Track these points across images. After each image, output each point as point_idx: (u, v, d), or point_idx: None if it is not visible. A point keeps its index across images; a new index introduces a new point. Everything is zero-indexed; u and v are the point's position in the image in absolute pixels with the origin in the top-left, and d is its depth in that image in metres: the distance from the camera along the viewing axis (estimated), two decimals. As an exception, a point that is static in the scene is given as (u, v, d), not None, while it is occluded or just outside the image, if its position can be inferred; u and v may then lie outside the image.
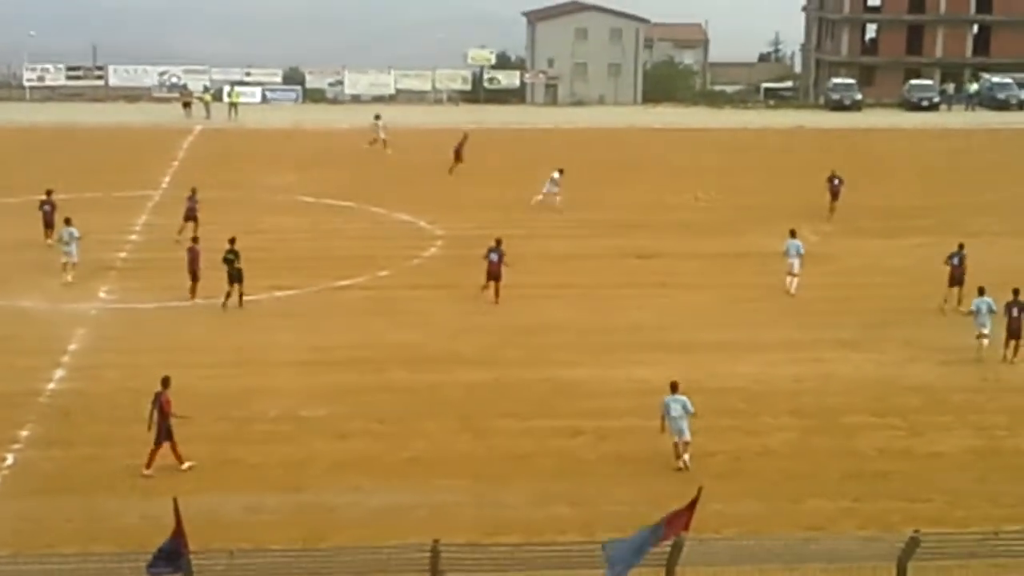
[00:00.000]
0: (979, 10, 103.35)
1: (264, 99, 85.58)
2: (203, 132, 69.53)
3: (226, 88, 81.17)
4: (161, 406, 23.68)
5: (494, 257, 35.55)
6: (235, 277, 34.61)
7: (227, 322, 33.36)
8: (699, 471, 23.32)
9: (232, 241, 35.38)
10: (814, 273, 39.19)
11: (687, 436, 24.14)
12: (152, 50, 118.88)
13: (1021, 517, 22.04)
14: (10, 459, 24.16)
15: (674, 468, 23.89)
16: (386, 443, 25.10)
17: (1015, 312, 30.90)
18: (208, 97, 77.65)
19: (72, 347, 31.04)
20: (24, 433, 25.39)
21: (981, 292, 32.15)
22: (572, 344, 31.45)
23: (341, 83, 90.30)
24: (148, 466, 23.49)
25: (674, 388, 24.49)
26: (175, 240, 40.54)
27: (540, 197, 48.03)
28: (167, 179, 54.03)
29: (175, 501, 16.62)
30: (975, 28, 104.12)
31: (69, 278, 36.71)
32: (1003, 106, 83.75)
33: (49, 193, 42.01)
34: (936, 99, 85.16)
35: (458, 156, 55.84)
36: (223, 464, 24.06)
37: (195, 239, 36.81)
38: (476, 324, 33.11)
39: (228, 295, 34.60)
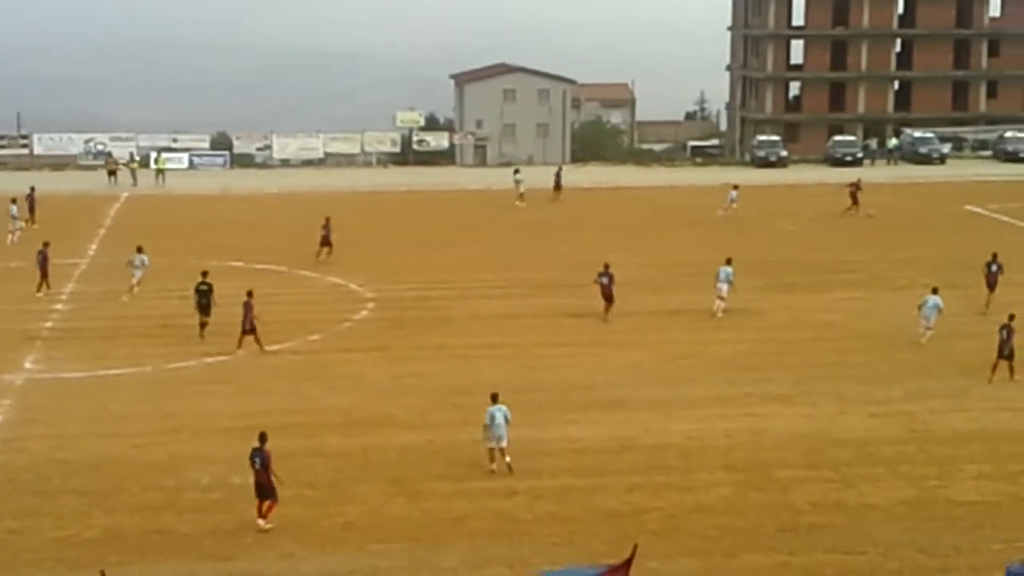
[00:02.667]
0: (899, 67, 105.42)
1: (192, 165, 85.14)
2: (130, 199, 69.04)
3: (153, 154, 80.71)
4: (265, 462, 23.88)
5: (605, 280, 39.95)
6: (204, 309, 37.60)
7: (156, 390, 32.97)
8: (634, 528, 23.28)
9: (205, 274, 38.39)
10: (745, 328, 39.57)
11: (504, 443, 26.55)
12: (78, 118, 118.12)
13: (954, 567, 22.24)
14: (-67, 534, 23.62)
15: (487, 470, 26.17)
16: (319, 509, 24.82)
17: (1004, 334, 33.58)
18: (135, 164, 77.14)
19: (-3, 419, 30.51)
20: (-52, 508, 24.86)
21: (935, 291, 37.68)
22: (505, 404, 31.29)
23: (269, 148, 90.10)
24: (264, 515, 23.88)
25: (495, 399, 26.96)
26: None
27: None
28: (94, 247, 53.54)
29: (102, 574, 16.31)
30: (896, 84, 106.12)
31: None
32: (925, 160, 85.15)
33: (46, 244, 44.26)
34: (859, 154, 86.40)
35: (325, 241, 50.08)
36: (152, 534, 23.67)
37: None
38: (409, 386, 32.97)
39: (203, 324, 37.62)
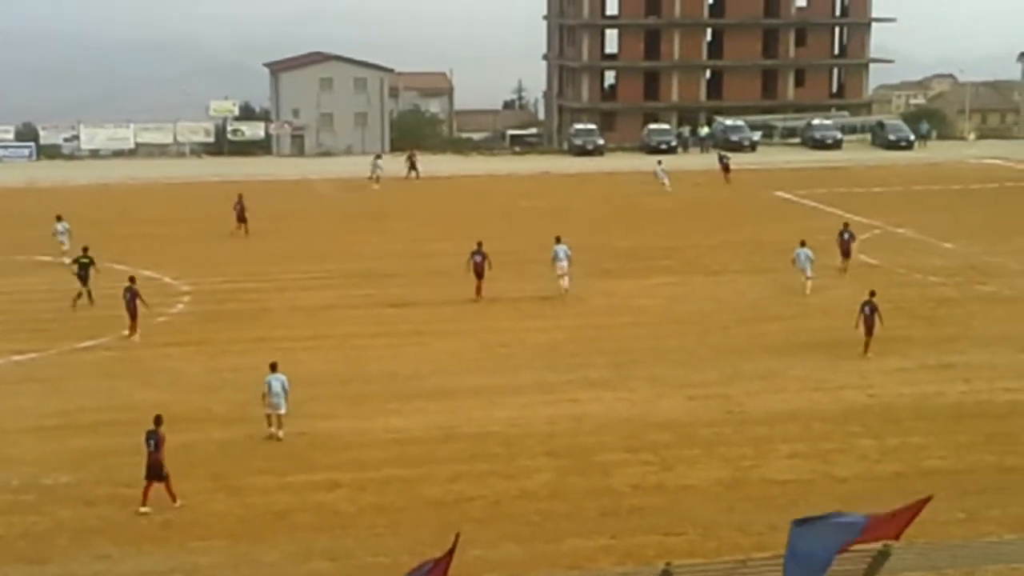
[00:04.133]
0: (711, 56, 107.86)
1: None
2: (-69, 192, 66.43)
3: (-46, 146, 77.85)
4: (157, 442, 24.14)
5: (478, 258, 41.11)
6: (83, 280, 40.18)
7: (-38, 390, 31.78)
8: (458, 517, 23.31)
9: (85, 249, 41.26)
10: (564, 315, 39.96)
11: (283, 410, 27.86)
12: None
13: (769, 544, 22.72)
14: None
15: (266, 436, 27.07)
16: (136, 508, 24.23)
17: (867, 311, 34.53)
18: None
19: None
20: None
21: (803, 244, 42.15)
22: (327, 396, 31.09)
23: (77, 138, 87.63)
24: (172, 498, 24.12)
25: (273, 368, 28.32)
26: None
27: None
28: None
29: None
30: (708, 73, 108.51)
31: None
32: (736, 148, 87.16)
33: None
34: (673, 142, 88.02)
35: (241, 217, 53.63)
36: (-39, 539, 22.83)
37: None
38: (228, 380, 32.42)
39: (79, 294, 39.92)
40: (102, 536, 23.04)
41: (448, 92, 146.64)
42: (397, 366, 34.07)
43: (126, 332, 36.84)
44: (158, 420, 24.71)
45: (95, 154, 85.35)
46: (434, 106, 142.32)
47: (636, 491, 25.26)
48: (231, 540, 22.97)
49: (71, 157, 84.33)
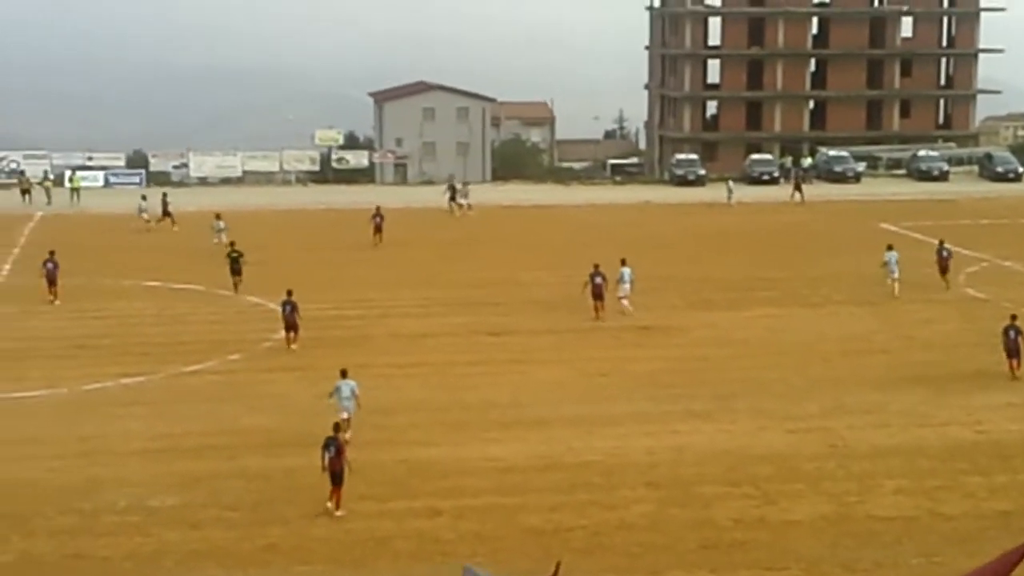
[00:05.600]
0: (814, 86, 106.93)
1: (107, 183, 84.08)
2: (44, 218, 68.02)
3: (67, 173, 79.56)
4: (337, 449, 25.22)
5: (598, 280, 42.25)
6: (236, 270, 46.41)
7: (72, 411, 32.46)
8: (558, 546, 23.29)
9: (232, 244, 47.74)
10: (664, 345, 39.84)
11: (349, 414, 29.21)
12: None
13: (874, 581, 22.48)
14: None
15: (345, 441, 26.62)
16: (241, 531, 24.56)
17: (1012, 335, 34.96)
18: (49, 183, 75.99)
19: (-92, 442, 29.86)
20: None
21: (890, 248, 46.44)
22: (427, 423, 31.29)
23: (186, 165, 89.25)
24: (336, 506, 25.21)
25: (344, 374, 30.04)
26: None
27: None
28: (7, 267, 52.69)
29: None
30: (811, 104, 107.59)
31: None
32: (840, 179, 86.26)
33: (52, 253, 45.81)
34: (776, 173, 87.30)
35: (378, 228, 58.37)
36: (69, 558, 23.31)
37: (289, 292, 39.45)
38: (330, 406, 32.67)
39: (235, 285, 46.10)
40: (207, 559, 23.37)
41: (549, 121, 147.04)
42: (496, 394, 34.16)
43: (288, 344, 38.81)
44: (336, 427, 26.15)
45: (203, 181, 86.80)
46: (535, 135, 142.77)
47: (737, 525, 25.04)
48: (333, 565, 23.18)
49: (180, 184, 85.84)
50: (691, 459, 28.87)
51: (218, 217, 55.72)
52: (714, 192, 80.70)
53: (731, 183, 77.23)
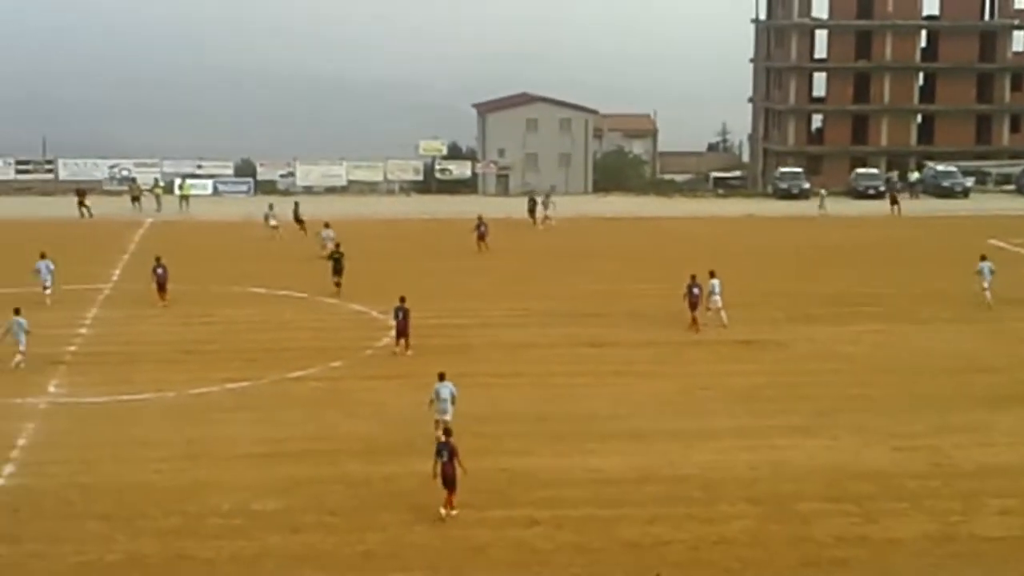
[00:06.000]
0: (922, 100, 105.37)
1: (216, 191, 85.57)
2: (154, 225, 69.38)
3: (177, 180, 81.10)
4: (450, 453, 25.69)
5: (696, 291, 42.72)
6: (338, 270, 48.46)
7: (179, 415, 33.07)
8: (655, 560, 23.26)
9: (338, 245, 50.82)
10: (765, 359, 39.54)
11: (449, 416, 29.74)
12: (102, 143, 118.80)
13: (978, 602, 22.13)
14: (-44, 557, 23.72)
15: (436, 439, 27.23)
16: (340, 536, 24.85)
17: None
18: (159, 190, 77.48)
19: (21, 442, 30.62)
20: (-29, 530, 24.96)
21: (983, 258, 47.17)
22: (526, 433, 31.39)
23: (293, 174, 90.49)
24: (450, 507, 25.75)
25: (442, 377, 30.55)
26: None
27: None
28: (117, 272, 53.80)
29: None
30: (919, 117, 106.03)
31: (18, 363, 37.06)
32: (947, 194, 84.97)
33: (159, 259, 47.06)
34: (882, 187, 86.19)
35: (482, 236, 59.95)
36: (175, 559, 23.74)
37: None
38: (430, 414, 32.94)
39: (336, 284, 48.19)
40: (307, 563, 23.66)
41: (652, 133, 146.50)
42: (596, 406, 34.16)
43: (397, 348, 39.56)
44: (448, 433, 26.54)
45: (308, 190, 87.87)
46: (638, 147, 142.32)
47: (838, 542, 24.78)
48: (430, 572, 23.34)
49: (286, 193, 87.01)
50: (792, 475, 28.63)
51: (327, 226, 56.43)
52: (815, 205, 79.99)
53: (824, 194, 77.63)
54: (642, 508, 26.38)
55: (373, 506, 26.45)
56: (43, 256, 47.06)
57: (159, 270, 46.61)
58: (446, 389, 30.35)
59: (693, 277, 43.20)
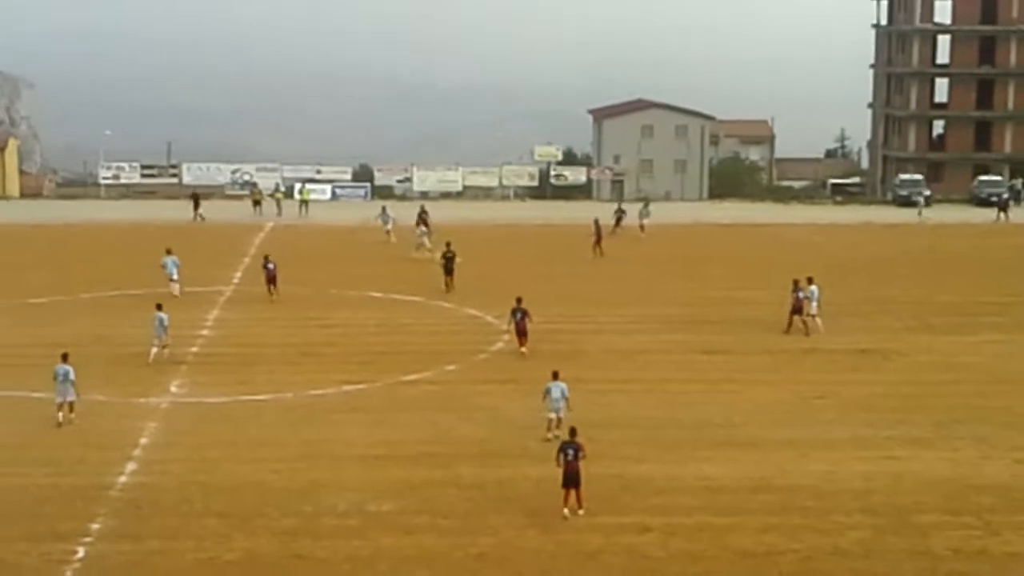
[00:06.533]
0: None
1: (334, 196, 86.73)
2: (274, 229, 70.52)
3: (297, 185, 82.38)
4: (576, 452, 26.01)
5: (800, 295, 42.97)
6: (449, 269, 50.12)
7: (296, 416, 33.57)
8: (769, 569, 23.09)
9: (448, 244, 51.13)
10: (883, 369, 38.99)
11: (561, 415, 30.39)
12: (225, 148, 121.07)
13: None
14: (81, 552, 24.33)
15: (543, 439, 28.91)
16: (453, 539, 25.03)
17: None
18: (280, 194, 78.74)
19: (143, 441, 31.32)
20: (95, 526, 25.58)
21: None
22: (639, 440, 31.34)
23: (409, 180, 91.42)
24: (579, 505, 26.03)
25: (556, 376, 31.26)
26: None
27: None
28: (238, 275, 54.80)
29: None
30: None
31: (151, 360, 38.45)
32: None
33: (268, 257, 49.58)
34: (1005, 195, 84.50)
35: (598, 239, 60.58)
36: (291, 559, 24.11)
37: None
38: (543, 419, 33.05)
39: (446, 284, 49.92)
40: (420, 565, 23.87)
41: (769, 140, 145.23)
42: (709, 413, 33.99)
43: (524, 350, 39.90)
44: (573, 432, 26.64)
45: (424, 195, 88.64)
46: (754, 154, 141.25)
47: (957, 555, 24.37)
48: (542, 577, 23.40)
49: (403, 198, 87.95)
50: (909, 486, 28.20)
51: (418, 224, 58.86)
52: (938, 212, 78.68)
53: (923, 200, 78.14)
54: (755, 517, 26.18)
55: (486, 510, 26.61)
56: (169, 252, 49.64)
57: (269, 266, 48.66)
58: (557, 388, 30.91)
59: (796, 282, 43.36)
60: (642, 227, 67.72)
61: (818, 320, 43.21)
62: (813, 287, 43.61)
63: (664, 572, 23.57)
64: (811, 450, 30.71)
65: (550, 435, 30.42)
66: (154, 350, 38.55)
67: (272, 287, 48.49)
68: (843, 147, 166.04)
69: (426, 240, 59.75)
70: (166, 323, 38.72)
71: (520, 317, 40.07)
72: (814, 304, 43.32)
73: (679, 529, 25.50)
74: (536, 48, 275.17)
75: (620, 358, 40.23)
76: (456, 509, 26.65)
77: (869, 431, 32.34)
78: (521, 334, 40.12)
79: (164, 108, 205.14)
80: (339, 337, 42.95)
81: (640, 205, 70.76)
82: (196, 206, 74.48)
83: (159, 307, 39.32)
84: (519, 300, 40.29)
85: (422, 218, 63.52)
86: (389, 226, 64.51)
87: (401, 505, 26.85)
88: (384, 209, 66.68)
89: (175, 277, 48.90)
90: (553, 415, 30.67)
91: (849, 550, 24.67)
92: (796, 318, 43.14)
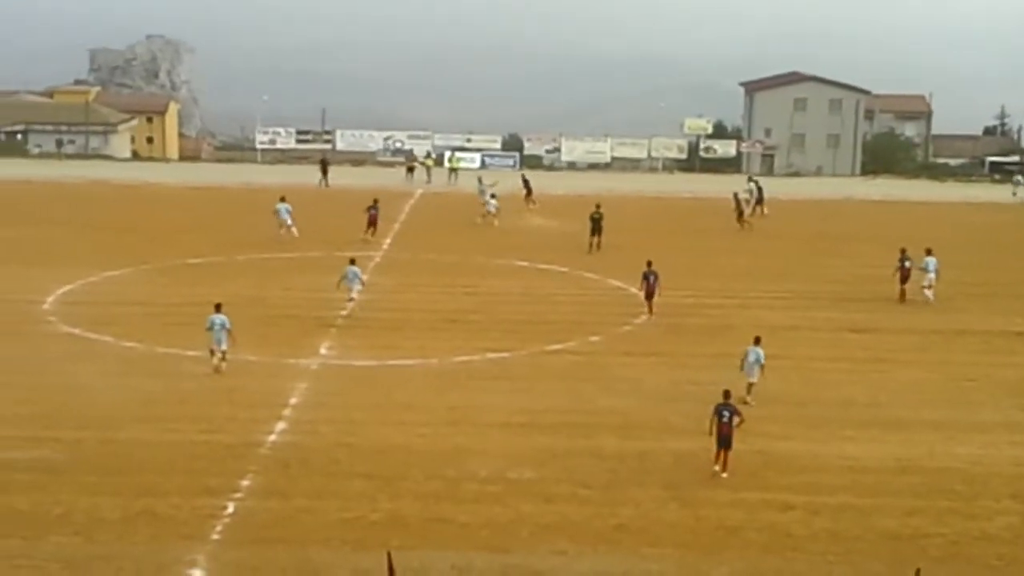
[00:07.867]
0: None
1: (483, 165, 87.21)
2: (424, 196, 71.22)
3: (447, 154, 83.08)
4: (731, 414, 26.71)
5: (908, 264, 43.88)
6: (596, 230, 52.13)
7: (441, 382, 33.97)
8: (913, 553, 22.73)
9: (598, 206, 53.26)
10: (1039, 353, 38.01)
11: (755, 379, 31.52)
12: (376, 116, 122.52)
13: None
14: (230, 508, 24.95)
15: (740, 400, 28.68)
16: (592, 509, 25.12)
17: None
18: (430, 162, 79.51)
19: (293, 401, 31.98)
20: (245, 483, 26.21)
21: None
22: (784, 416, 31.05)
23: (558, 150, 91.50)
24: (723, 468, 26.60)
25: (757, 341, 32.06)
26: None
27: None
28: (388, 241, 55.51)
29: (388, 556, 16.98)
30: None
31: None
32: None
33: (376, 200, 54.66)
34: None
35: (740, 213, 61.32)
36: (433, 522, 24.44)
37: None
38: (687, 393, 32.93)
39: (591, 244, 52.10)
40: (560, 533, 24.02)
41: (926, 116, 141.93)
42: (855, 392, 33.51)
43: (644, 315, 41.06)
44: (727, 394, 27.29)
45: (572, 166, 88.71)
46: (910, 130, 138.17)
47: (1109, 545, 23.72)
48: (681, 550, 23.38)
49: (550, 168, 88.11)
50: (1062, 473, 27.51)
51: (481, 180, 62.51)
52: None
53: (1019, 178, 76.98)
54: (901, 499, 25.78)
55: (626, 481, 26.64)
56: (283, 199, 54.47)
57: (372, 210, 53.81)
58: (754, 353, 31.78)
59: (903, 251, 44.22)
60: (744, 212, 63.15)
61: (928, 292, 43.37)
62: (930, 258, 43.73)
63: (805, 551, 23.36)
64: (959, 432, 30.12)
65: (749, 399, 31.16)
66: (351, 303, 40.59)
67: (372, 229, 53.26)
68: (1003, 124, 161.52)
69: (491, 205, 60.15)
70: (361, 276, 41.13)
71: (652, 280, 40.87)
72: (931, 275, 43.50)
73: (822, 508, 25.24)
74: (691, 20, 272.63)
75: (766, 334, 39.42)
76: (597, 479, 26.73)
77: (1022, 415, 31.58)
78: (649, 296, 40.95)
79: (320, 74, 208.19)
80: (484, 305, 43.30)
81: (751, 185, 68.33)
82: (324, 172, 75.58)
83: (352, 261, 41.42)
84: (649, 263, 41.16)
85: (527, 184, 65.50)
86: (495, 203, 60.95)
87: (542, 473, 27.01)
88: (480, 180, 65.92)
89: (289, 223, 53.02)
90: (749, 378, 31.75)
91: (998, 535, 24.17)
92: (904, 287, 43.81)
